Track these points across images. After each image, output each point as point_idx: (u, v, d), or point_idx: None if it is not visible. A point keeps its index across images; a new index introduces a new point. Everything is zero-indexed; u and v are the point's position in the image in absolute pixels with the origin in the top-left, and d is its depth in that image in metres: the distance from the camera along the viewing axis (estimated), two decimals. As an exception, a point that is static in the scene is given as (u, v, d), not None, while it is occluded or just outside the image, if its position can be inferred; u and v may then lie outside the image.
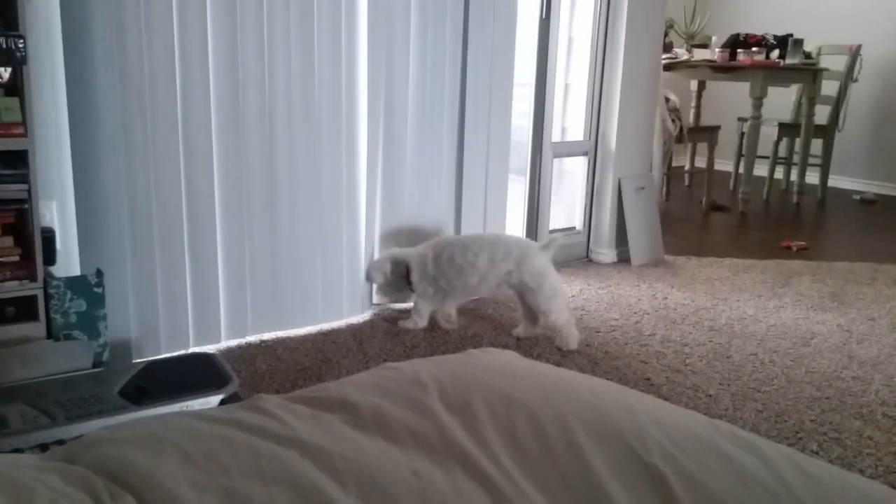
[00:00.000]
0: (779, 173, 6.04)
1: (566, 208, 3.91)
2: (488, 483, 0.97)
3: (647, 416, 1.13)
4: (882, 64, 5.97)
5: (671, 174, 5.52)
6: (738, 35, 5.39)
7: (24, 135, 1.96)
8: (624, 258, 3.87)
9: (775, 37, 5.30)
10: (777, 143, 5.85)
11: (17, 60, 1.92)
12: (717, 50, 5.34)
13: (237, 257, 2.58)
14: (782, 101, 5.81)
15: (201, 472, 0.94)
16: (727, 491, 0.99)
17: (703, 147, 5.58)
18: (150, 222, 2.37)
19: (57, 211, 2.25)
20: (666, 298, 3.31)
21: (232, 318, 2.61)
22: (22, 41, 1.91)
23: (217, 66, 2.41)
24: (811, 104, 5.40)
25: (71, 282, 2.13)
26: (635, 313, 3.11)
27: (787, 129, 5.66)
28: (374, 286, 2.98)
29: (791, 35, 5.25)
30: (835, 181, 6.06)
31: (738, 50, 5.22)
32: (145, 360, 2.30)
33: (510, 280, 2.68)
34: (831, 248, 4.43)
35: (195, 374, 2.12)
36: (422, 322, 2.82)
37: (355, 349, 2.63)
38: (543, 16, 3.47)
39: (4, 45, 1.89)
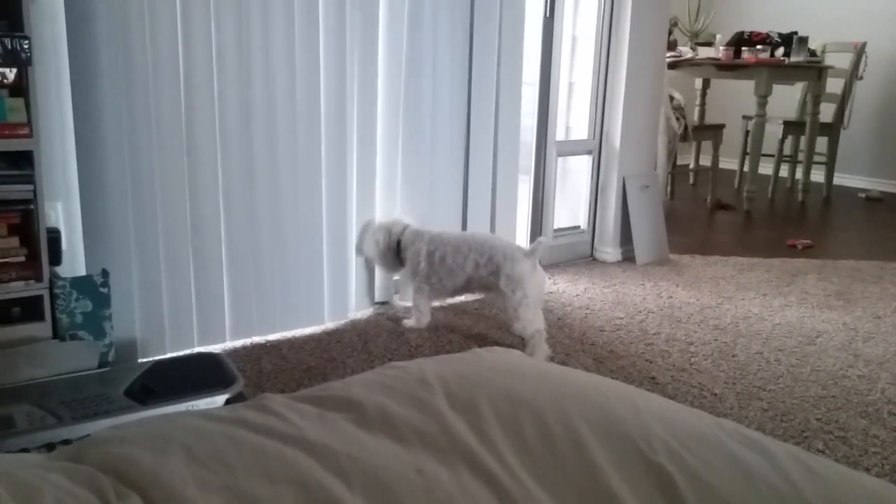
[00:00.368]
0: (784, 171, 6.02)
1: (570, 207, 3.90)
2: (494, 482, 0.97)
3: (653, 415, 1.13)
4: (887, 61, 5.95)
5: (676, 173, 5.51)
6: (742, 33, 5.37)
7: (30, 135, 1.97)
8: (628, 257, 3.87)
9: (780, 34, 5.29)
10: (782, 142, 5.83)
11: (22, 61, 1.92)
12: (721, 48, 5.33)
13: (242, 257, 2.58)
14: (787, 99, 5.79)
15: (207, 471, 0.94)
16: (733, 489, 0.98)
17: (707, 145, 5.57)
18: (154, 222, 2.37)
19: (62, 211, 2.26)
20: (671, 297, 3.31)
21: (237, 318, 2.61)
22: (27, 42, 1.91)
23: (221, 65, 2.42)
24: (816, 102, 5.38)
25: (76, 282, 2.13)
26: (640, 312, 3.11)
27: (792, 128, 5.64)
28: (367, 261, 2.94)
29: (796, 33, 5.23)
30: (840, 179, 6.04)
31: (743, 48, 5.21)
32: (151, 359, 2.30)
33: (489, 283, 2.67)
34: (837, 246, 4.42)
35: (201, 373, 2.12)
36: (424, 319, 2.82)
37: (360, 348, 2.63)
38: (547, 15, 3.46)
39: (9, 46, 1.89)
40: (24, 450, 1.66)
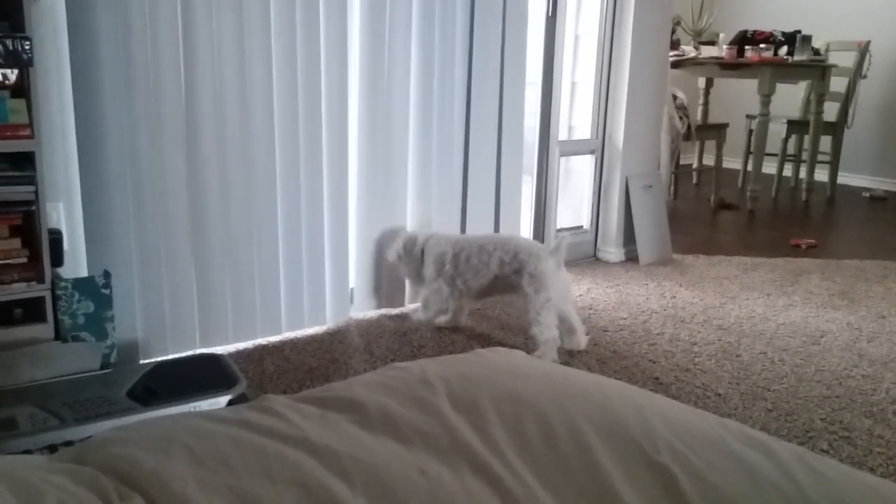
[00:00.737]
0: (787, 171, 6.01)
1: (573, 207, 3.90)
2: (496, 482, 0.97)
3: (657, 416, 1.12)
4: (891, 60, 5.93)
5: (679, 172, 5.50)
6: (745, 32, 5.36)
7: (31, 136, 1.96)
8: (632, 257, 3.86)
9: (783, 33, 5.28)
10: (786, 141, 5.82)
11: (23, 62, 1.92)
12: (724, 47, 5.32)
13: (244, 258, 2.58)
14: (791, 98, 5.78)
15: (209, 472, 0.94)
16: (737, 490, 0.98)
17: (711, 145, 5.56)
18: (156, 223, 2.37)
19: (64, 212, 2.26)
20: (674, 297, 3.30)
21: (239, 319, 2.61)
22: (28, 43, 1.91)
23: (222, 66, 2.41)
24: (820, 101, 5.37)
25: (78, 283, 2.13)
26: (643, 312, 3.10)
27: (796, 127, 5.63)
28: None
29: (799, 31, 5.22)
30: (844, 178, 6.03)
31: (746, 47, 5.20)
32: (153, 361, 2.30)
33: (513, 283, 2.65)
34: (841, 245, 4.41)
35: (203, 374, 2.12)
36: (427, 316, 2.83)
37: (362, 349, 2.63)
38: (550, 14, 3.46)
39: (11, 47, 1.89)
40: (27, 451, 1.66)
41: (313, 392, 1.23)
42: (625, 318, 3.02)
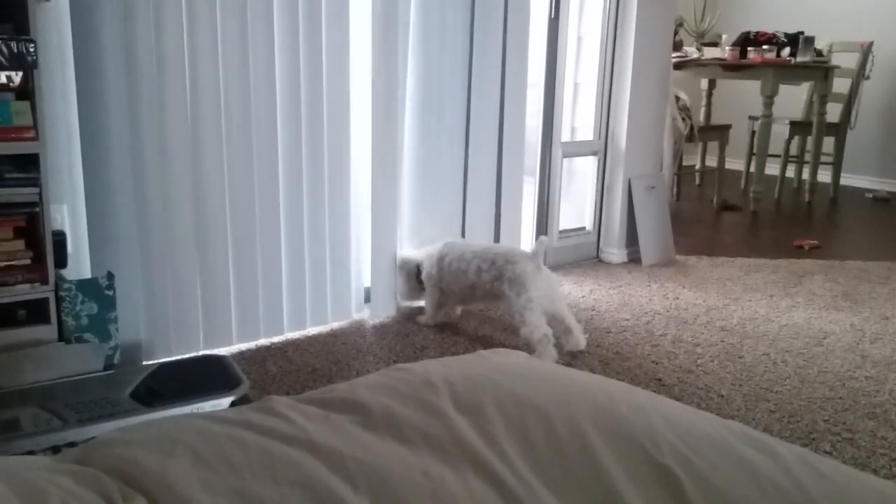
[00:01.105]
0: (790, 172, 6.01)
1: (576, 208, 3.90)
2: (499, 484, 0.97)
3: (659, 417, 1.12)
4: (894, 61, 5.92)
5: (682, 173, 5.50)
6: (748, 33, 5.35)
7: (35, 138, 1.97)
8: (634, 258, 3.86)
9: (786, 34, 5.27)
10: (788, 142, 5.82)
11: (27, 64, 1.93)
12: (727, 48, 5.32)
13: (247, 259, 2.58)
14: (793, 99, 5.78)
15: (213, 473, 0.94)
16: (740, 491, 0.98)
17: (713, 146, 5.55)
18: (160, 225, 2.38)
19: (68, 214, 2.26)
20: (677, 298, 3.30)
21: (242, 320, 2.61)
22: (33, 45, 1.92)
23: (227, 69, 2.42)
24: (823, 102, 5.36)
25: (82, 285, 2.14)
26: (646, 313, 3.10)
27: (799, 128, 5.62)
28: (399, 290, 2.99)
29: (802, 32, 5.21)
30: (847, 179, 6.02)
31: (749, 48, 5.19)
32: (156, 362, 2.30)
33: (495, 290, 2.66)
34: (844, 247, 4.40)
35: (206, 376, 2.12)
36: (428, 319, 2.86)
37: (365, 350, 2.63)
38: (552, 15, 3.46)
39: (15, 50, 1.90)
40: (30, 452, 1.66)
41: (316, 393, 1.23)
42: (627, 320, 3.02)
